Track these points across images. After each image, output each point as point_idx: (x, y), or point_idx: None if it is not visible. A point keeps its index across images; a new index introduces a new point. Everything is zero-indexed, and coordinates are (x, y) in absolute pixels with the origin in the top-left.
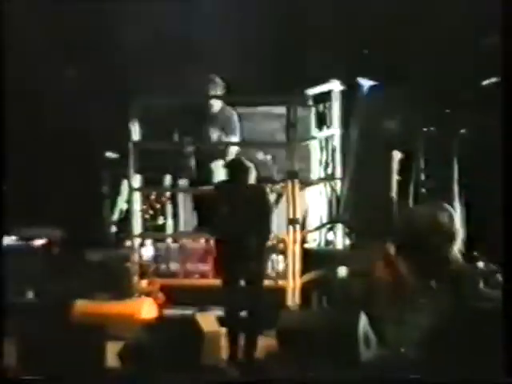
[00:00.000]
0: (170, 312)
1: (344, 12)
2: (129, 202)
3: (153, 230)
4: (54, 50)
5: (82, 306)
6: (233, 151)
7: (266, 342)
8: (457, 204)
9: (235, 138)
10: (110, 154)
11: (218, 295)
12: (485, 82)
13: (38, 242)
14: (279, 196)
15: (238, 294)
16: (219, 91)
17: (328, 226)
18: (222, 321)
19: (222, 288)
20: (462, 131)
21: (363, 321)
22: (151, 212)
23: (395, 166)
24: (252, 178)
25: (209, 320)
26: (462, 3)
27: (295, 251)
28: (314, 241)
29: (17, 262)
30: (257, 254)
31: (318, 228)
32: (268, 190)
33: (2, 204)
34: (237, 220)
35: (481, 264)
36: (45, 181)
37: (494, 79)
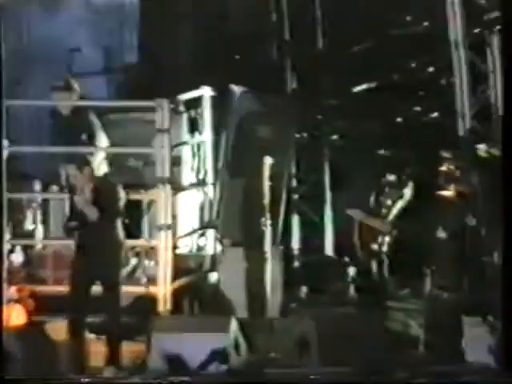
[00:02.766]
0: (38, 319)
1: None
2: None
3: (22, 235)
4: None
5: None
6: (100, 157)
7: (135, 348)
8: (327, 209)
9: (101, 143)
10: None
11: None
12: (356, 89)
13: None
14: (151, 202)
15: (88, 300)
16: (75, 96)
17: (199, 231)
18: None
19: (68, 293)
20: (334, 137)
21: (234, 326)
22: (21, 217)
23: (267, 171)
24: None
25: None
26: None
27: (166, 257)
28: (185, 246)
29: None
30: (111, 257)
31: (190, 233)
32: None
33: None
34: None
35: (351, 269)
36: None
37: (364, 85)
